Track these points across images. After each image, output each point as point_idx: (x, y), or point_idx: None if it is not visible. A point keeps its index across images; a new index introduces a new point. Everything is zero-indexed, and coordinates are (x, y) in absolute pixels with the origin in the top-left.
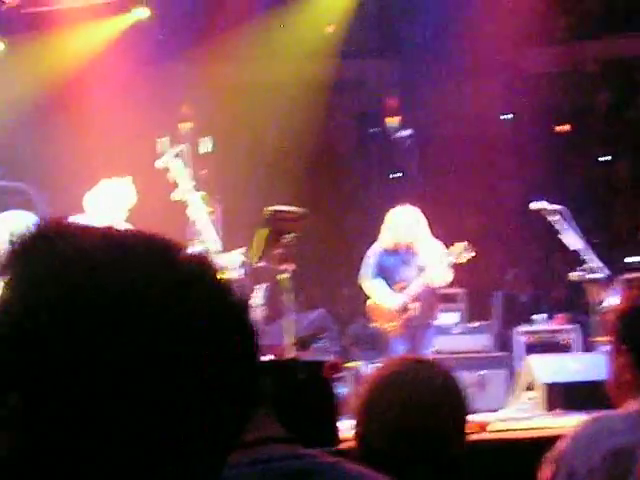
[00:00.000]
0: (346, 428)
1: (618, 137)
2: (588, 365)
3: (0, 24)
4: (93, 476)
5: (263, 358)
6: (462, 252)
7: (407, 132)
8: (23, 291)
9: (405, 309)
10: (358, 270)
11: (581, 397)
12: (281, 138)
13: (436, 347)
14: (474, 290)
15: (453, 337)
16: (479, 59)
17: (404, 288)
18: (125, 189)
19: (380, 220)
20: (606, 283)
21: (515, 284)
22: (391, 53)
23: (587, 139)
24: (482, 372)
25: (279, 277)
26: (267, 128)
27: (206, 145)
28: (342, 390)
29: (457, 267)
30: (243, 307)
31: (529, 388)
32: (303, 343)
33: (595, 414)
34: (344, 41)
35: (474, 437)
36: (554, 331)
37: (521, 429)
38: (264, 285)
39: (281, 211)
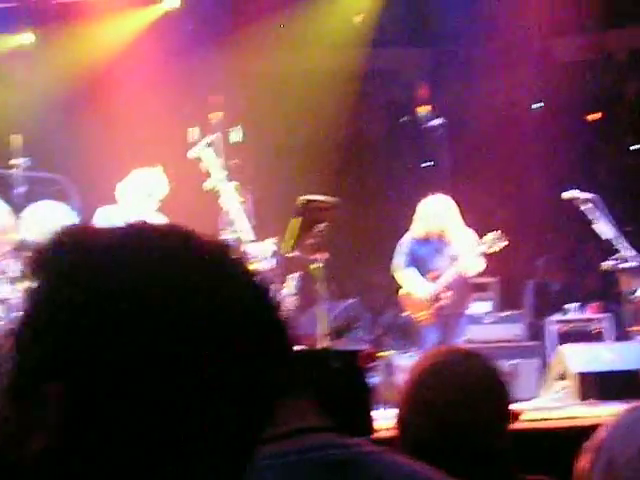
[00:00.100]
0: (380, 417)
1: None
2: (621, 354)
3: (31, 15)
4: (94, 476)
5: (296, 347)
6: (494, 241)
7: (438, 121)
8: (59, 289)
9: (437, 298)
10: (390, 259)
11: (614, 386)
12: (312, 128)
13: (468, 336)
14: (506, 279)
15: (485, 326)
16: (509, 48)
17: (436, 277)
18: (156, 179)
19: (411, 209)
20: (639, 272)
21: (547, 273)
22: (422, 42)
23: (617, 128)
24: (514, 361)
25: (312, 267)
26: (298, 118)
27: (237, 135)
28: (374, 380)
29: (489, 256)
30: (270, 298)
31: (562, 377)
32: (337, 333)
33: (636, 403)
34: (374, 30)
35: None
36: (587, 320)
37: (554, 419)
38: (296, 275)
39: (314, 200)
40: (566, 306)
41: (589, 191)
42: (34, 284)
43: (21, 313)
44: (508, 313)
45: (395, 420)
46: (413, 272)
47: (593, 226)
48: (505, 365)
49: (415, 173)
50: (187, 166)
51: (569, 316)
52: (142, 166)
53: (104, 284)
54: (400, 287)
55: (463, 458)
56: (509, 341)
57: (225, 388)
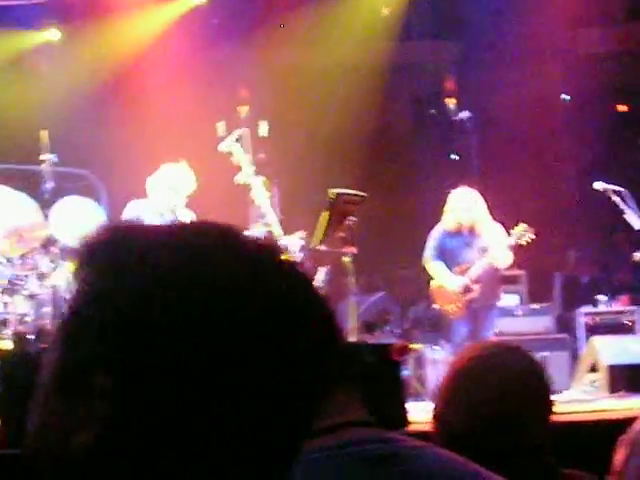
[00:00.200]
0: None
1: None
2: None
3: (57, 11)
4: (139, 472)
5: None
6: (523, 234)
7: (465, 114)
8: (115, 281)
9: (467, 291)
10: (417, 252)
11: None
12: (338, 121)
13: (498, 329)
14: (535, 272)
15: (514, 319)
16: (537, 40)
17: (466, 270)
18: (184, 175)
19: (439, 202)
20: None
21: (576, 265)
22: (448, 35)
23: None
24: (544, 354)
25: (341, 260)
26: (325, 111)
27: (263, 129)
28: (404, 373)
29: (518, 248)
30: (317, 295)
31: (593, 370)
32: (369, 327)
33: None
34: (401, 23)
35: None
36: (617, 312)
37: (585, 411)
38: (325, 268)
39: (344, 194)
40: (596, 298)
41: (617, 183)
42: (83, 276)
43: (69, 304)
44: (538, 306)
45: (432, 413)
46: (441, 265)
47: (625, 217)
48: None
49: (442, 166)
50: (214, 160)
51: (599, 308)
52: (169, 160)
53: (155, 278)
54: (430, 279)
55: (503, 452)
56: (539, 334)
57: (276, 385)
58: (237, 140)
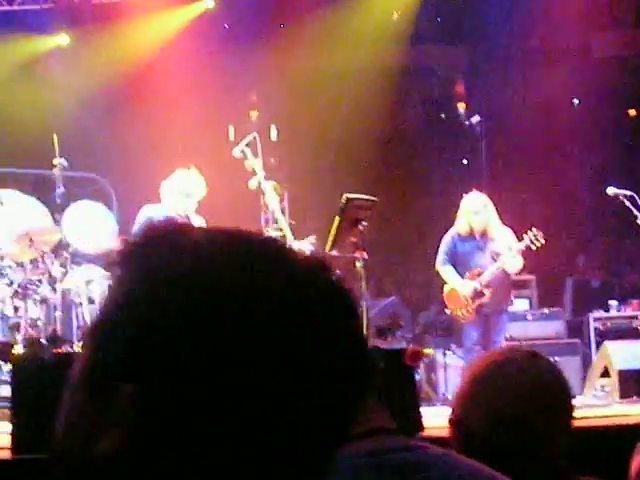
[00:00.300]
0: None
1: None
2: None
3: (67, 17)
4: (196, 475)
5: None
6: (534, 239)
7: (476, 118)
8: (146, 290)
9: (478, 295)
10: (428, 257)
11: None
12: (349, 125)
13: (508, 334)
14: (545, 276)
15: (525, 323)
16: (547, 44)
17: (477, 275)
18: (195, 180)
19: (449, 206)
20: None
21: (586, 270)
22: (459, 39)
23: None
24: (555, 359)
25: (352, 265)
26: (335, 115)
27: (273, 133)
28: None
29: (528, 253)
30: (356, 309)
31: (605, 375)
32: (381, 332)
33: None
34: (412, 27)
35: None
36: (628, 317)
37: (596, 417)
38: (336, 273)
39: (356, 199)
40: (607, 302)
41: (627, 187)
42: (118, 278)
43: (102, 306)
44: (548, 310)
45: (450, 418)
46: (453, 269)
47: (636, 222)
48: None
49: (453, 170)
50: (224, 164)
51: (610, 313)
52: (179, 164)
53: (193, 287)
54: (443, 284)
55: (521, 457)
56: (550, 338)
57: (311, 396)
58: (249, 145)
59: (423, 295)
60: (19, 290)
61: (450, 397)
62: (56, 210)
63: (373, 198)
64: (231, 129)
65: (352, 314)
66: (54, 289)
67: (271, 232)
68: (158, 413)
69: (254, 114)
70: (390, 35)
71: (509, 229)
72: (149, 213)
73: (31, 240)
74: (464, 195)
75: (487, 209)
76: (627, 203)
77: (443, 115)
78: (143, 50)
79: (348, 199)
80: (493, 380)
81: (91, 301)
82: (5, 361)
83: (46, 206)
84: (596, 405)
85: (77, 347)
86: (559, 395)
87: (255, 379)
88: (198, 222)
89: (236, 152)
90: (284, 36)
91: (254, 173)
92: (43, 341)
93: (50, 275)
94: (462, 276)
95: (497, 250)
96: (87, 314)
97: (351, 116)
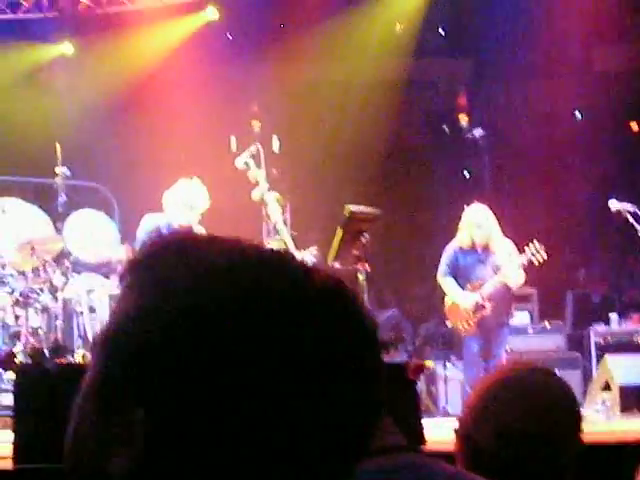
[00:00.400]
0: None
1: None
2: None
3: (71, 26)
4: (197, 476)
5: None
6: (535, 253)
7: (479, 131)
8: (156, 301)
9: (479, 308)
10: (429, 269)
11: None
12: (352, 136)
13: (509, 347)
14: (546, 290)
15: (526, 337)
16: (550, 57)
17: (478, 287)
18: (199, 192)
19: (451, 218)
20: None
21: (587, 283)
22: (462, 52)
23: None
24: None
25: (354, 277)
26: (338, 127)
27: (275, 144)
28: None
29: (529, 266)
30: (375, 328)
31: (606, 388)
32: (384, 346)
33: None
34: (415, 40)
35: None
36: (629, 331)
37: (597, 431)
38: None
39: (359, 211)
40: (608, 316)
41: (629, 201)
42: (127, 289)
43: (112, 316)
44: (549, 324)
45: (458, 432)
46: (454, 282)
47: (638, 235)
48: None
49: (455, 183)
50: (226, 174)
51: (611, 327)
52: (181, 174)
53: (201, 298)
54: (444, 296)
55: (529, 473)
56: (550, 352)
57: (311, 396)
58: (252, 156)
59: (424, 307)
60: (20, 299)
61: (450, 410)
62: (58, 219)
63: (376, 211)
64: (233, 139)
65: (352, 311)
66: (55, 298)
67: (273, 243)
68: (167, 439)
69: (256, 124)
70: (393, 47)
71: (511, 242)
72: (151, 222)
73: (33, 249)
74: (466, 207)
75: (489, 222)
76: (629, 217)
77: (446, 127)
78: (146, 60)
79: (351, 212)
80: (502, 396)
81: (92, 310)
82: (5, 370)
83: (48, 215)
84: (597, 419)
85: (78, 356)
86: (568, 412)
87: (255, 379)
88: (201, 233)
89: (239, 163)
90: (287, 48)
91: (257, 184)
92: (46, 351)
93: (51, 284)
94: (463, 289)
95: (498, 263)
96: (88, 323)
97: (353, 128)
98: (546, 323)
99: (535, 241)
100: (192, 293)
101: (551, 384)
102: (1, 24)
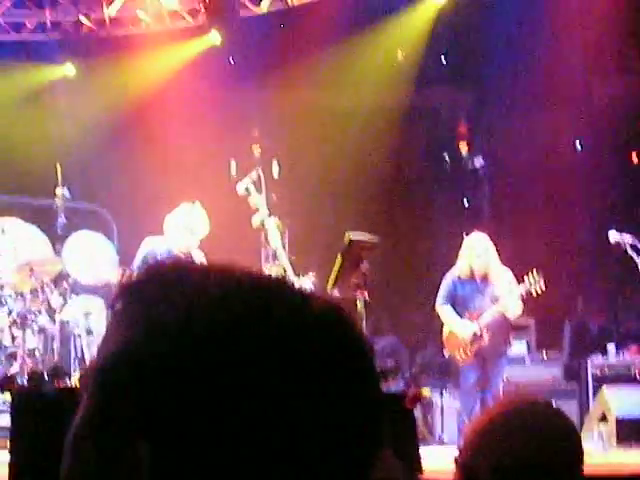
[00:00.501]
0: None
1: None
2: None
3: (74, 48)
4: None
5: None
6: (534, 284)
7: (480, 161)
8: (148, 332)
9: (477, 338)
10: (427, 297)
11: None
12: (352, 164)
13: (506, 377)
14: (544, 319)
15: (523, 367)
16: (551, 87)
17: (477, 317)
18: (199, 217)
19: (450, 247)
20: None
21: (585, 314)
22: (463, 81)
23: None
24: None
25: (353, 305)
26: (338, 153)
27: (274, 170)
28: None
29: (527, 296)
30: (372, 355)
31: (602, 420)
32: (383, 374)
33: None
34: (416, 69)
35: None
36: (626, 363)
37: (593, 463)
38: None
39: (359, 239)
40: (605, 347)
41: (628, 232)
42: (117, 319)
43: (102, 347)
44: (546, 354)
45: (457, 462)
46: (451, 310)
47: (638, 267)
48: None
49: (454, 211)
50: (226, 199)
51: (608, 358)
52: (180, 198)
53: (203, 333)
54: (441, 324)
55: None
56: (547, 382)
57: (311, 396)
58: (253, 182)
59: (422, 335)
60: (18, 319)
61: (446, 438)
62: (57, 240)
63: (375, 238)
64: (233, 164)
65: (350, 337)
66: (53, 319)
67: (272, 269)
68: (172, 467)
69: (256, 149)
70: (394, 75)
71: (509, 271)
72: (151, 245)
73: (32, 270)
74: (465, 236)
75: (488, 252)
76: (628, 248)
77: (446, 156)
78: (148, 83)
79: (351, 239)
80: (502, 428)
81: (89, 332)
82: (4, 391)
83: (47, 236)
84: (593, 451)
85: (75, 379)
86: (569, 445)
87: (265, 428)
88: (199, 258)
89: (240, 189)
90: (289, 74)
91: (257, 210)
92: (45, 374)
93: (49, 305)
94: (461, 317)
95: (497, 294)
96: (85, 346)
97: (353, 155)
98: (543, 353)
99: (534, 271)
100: (184, 323)
101: (552, 417)
102: (4, 45)
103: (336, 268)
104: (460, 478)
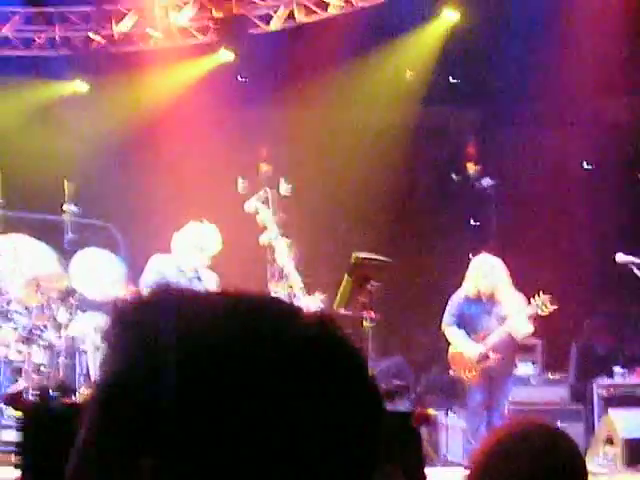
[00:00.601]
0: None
1: None
2: None
3: (85, 64)
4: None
5: None
6: (544, 304)
7: (487, 181)
8: (146, 351)
9: (484, 358)
10: (434, 317)
11: None
12: (360, 183)
13: (513, 398)
14: (551, 340)
15: (530, 388)
16: (560, 108)
17: (484, 337)
18: (211, 235)
19: (457, 267)
20: None
21: (592, 336)
22: (472, 100)
23: None
24: (558, 425)
25: (361, 324)
26: (347, 173)
27: (283, 188)
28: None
29: (534, 318)
30: (366, 371)
31: (609, 442)
32: (389, 395)
33: None
34: (424, 88)
35: None
36: (633, 385)
37: None
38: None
39: (368, 259)
40: (614, 370)
41: (636, 254)
42: (116, 343)
43: (102, 370)
44: (553, 375)
45: None
46: (458, 331)
47: None
48: None
49: (462, 231)
50: (235, 217)
51: (615, 380)
52: (188, 215)
53: (203, 357)
54: (447, 344)
55: None
56: (553, 404)
57: (311, 396)
58: (262, 200)
59: (427, 355)
60: (24, 334)
61: (451, 458)
62: (64, 256)
63: (385, 259)
64: (240, 181)
65: (340, 354)
66: (59, 335)
67: (278, 287)
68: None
69: (266, 168)
70: (403, 94)
71: (520, 293)
72: (158, 263)
73: (38, 285)
74: (472, 257)
75: (495, 272)
76: (635, 270)
77: (454, 176)
78: (158, 100)
79: (360, 259)
80: (509, 452)
81: (97, 349)
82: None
83: (54, 251)
84: (600, 473)
85: (81, 396)
86: (574, 469)
87: (263, 445)
88: (207, 276)
89: (249, 207)
90: (298, 93)
91: (265, 228)
92: (52, 391)
93: (55, 321)
94: (469, 336)
95: (504, 314)
96: (92, 362)
97: (362, 174)
98: (550, 374)
99: (541, 293)
100: (179, 348)
101: (557, 439)
102: (14, 60)
103: (343, 287)
104: None
